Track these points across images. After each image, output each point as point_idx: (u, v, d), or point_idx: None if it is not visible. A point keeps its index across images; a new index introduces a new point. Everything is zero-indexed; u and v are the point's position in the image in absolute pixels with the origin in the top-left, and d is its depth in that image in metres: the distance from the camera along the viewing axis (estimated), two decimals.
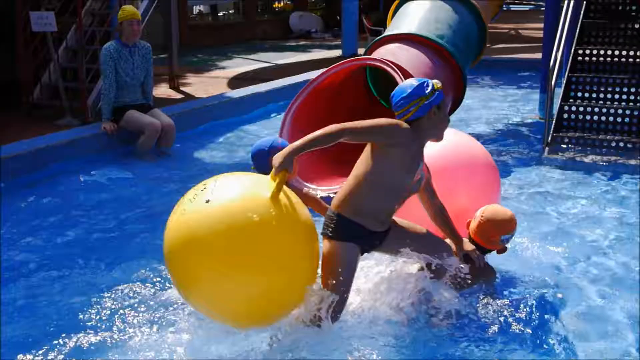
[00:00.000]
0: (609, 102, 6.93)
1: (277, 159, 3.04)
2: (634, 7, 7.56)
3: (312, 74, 8.09)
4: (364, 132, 3.29)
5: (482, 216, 3.68)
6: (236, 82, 12.07)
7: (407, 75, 5.72)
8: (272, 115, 8.75)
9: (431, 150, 3.63)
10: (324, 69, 6.17)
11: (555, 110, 6.91)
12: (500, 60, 12.73)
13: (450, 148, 3.99)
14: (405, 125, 3.32)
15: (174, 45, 11.34)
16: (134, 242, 4.77)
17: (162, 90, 10.94)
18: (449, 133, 3.58)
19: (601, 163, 6.22)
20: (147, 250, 4.46)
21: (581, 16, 7.41)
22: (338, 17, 20.32)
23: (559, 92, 7.00)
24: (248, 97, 9.13)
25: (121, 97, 6.97)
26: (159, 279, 3.99)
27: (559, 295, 3.75)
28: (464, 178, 4.02)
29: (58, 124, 7.90)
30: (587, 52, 7.24)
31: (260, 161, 3.69)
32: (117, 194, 5.86)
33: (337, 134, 3.22)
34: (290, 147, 3.11)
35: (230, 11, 23.89)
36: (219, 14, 23.28)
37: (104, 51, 6.90)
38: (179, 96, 10.61)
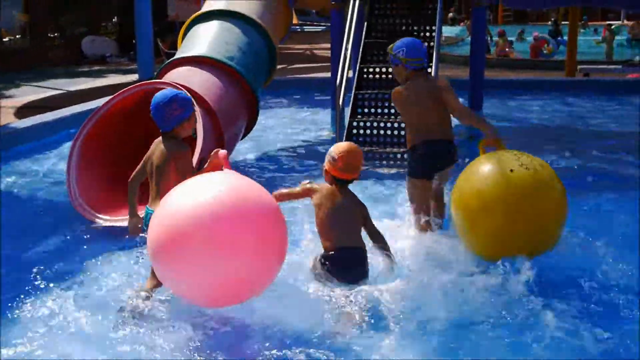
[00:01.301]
0: (392, 117, 7.33)
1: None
2: (413, 28, 8.09)
3: (104, 100, 7.81)
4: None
5: (338, 154, 4.03)
6: (25, 111, 11.37)
7: (198, 98, 5.69)
8: (63, 144, 8.31)
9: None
10: (114, 95, 6.00)
11: (345, 127, 7.20)
12: (296, 80, 13.12)
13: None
14: None
15: None
16: None
17: None
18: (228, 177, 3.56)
19: (389, 174, 6.56)
20: None
21: (363, 36, 7.82)
22: (134, 41, 19.87)
23: (349, 109, 7.31)
24: (35, 127, 8.61)
25: None
26: None
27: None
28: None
29: None
30: (371, 70, 7.64)
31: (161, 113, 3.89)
32: None
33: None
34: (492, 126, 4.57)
35: (17, 36, 22.54)
36: (5, 39, 21.88)
37: None
38: None
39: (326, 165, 4.12)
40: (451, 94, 4.56)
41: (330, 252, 3.90)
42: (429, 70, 4.53)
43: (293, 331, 3.50)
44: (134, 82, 14.34)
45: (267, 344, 3.38)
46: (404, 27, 8.06)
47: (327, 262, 3.86)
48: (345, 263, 3.90)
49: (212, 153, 3.91)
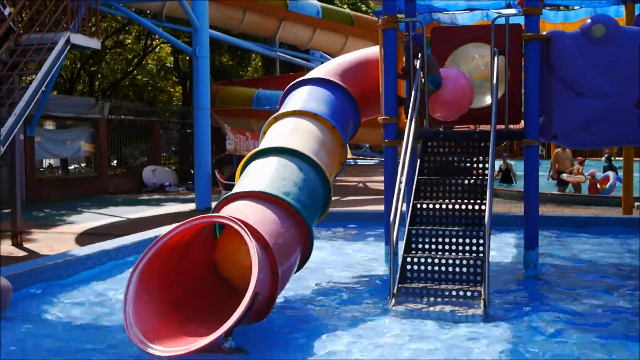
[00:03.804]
0: (447, 253, 7.32)
1: None
2: (463, 165, 8.23)
3: (163, 229, 8.04)
4: None
5: None
6: (85, 237, 11.74)
7: (253, 232, 5.82)
8: (123, 272, 8.49)
9: None
10: (173, 225, 6.17)
11: (399, 262, 7.20)
12: (350, 213, 13.28)
13: None
14: None
15: (17, 199, 10.96)
16: None
17: (4, 248, 10.42)
18: None
19: (444, 312, 6.46)
20: None
21: (416, 173, 7.97)
22: (192, 171, 20.56)
23: (403, 244, 7.33)
24: (95, 255, 8.83)
25: None
26: None
27: None
28: None
29: None
30: (424, 205, 7.71)
31: None
32: None
33: None
34: None
35: (81, 164, 23.59)
36: (70, 168, 22.91)
37: None
38: (22, 254, 10.14)
39: None
40: None
41: None
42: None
43: None
44: (192, 211, 14.82)
45: None
46: (455, 164, 8.21)
47: None
48: None
49: None
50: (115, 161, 24.08)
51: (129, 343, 5.44)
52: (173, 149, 28.78)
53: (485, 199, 7.22)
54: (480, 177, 8.04)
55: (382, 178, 8.96)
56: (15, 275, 7.31)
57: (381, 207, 9.11)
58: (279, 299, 6.50)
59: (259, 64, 37.50)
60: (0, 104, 10.65)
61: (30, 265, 8.15)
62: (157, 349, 5.32)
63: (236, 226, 5.77)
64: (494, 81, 8.09)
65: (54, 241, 11.35)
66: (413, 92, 8.07)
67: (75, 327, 6.48)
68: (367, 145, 31.69)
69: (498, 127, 7.98)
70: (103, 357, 5.58)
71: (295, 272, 6.86)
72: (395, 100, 8.57)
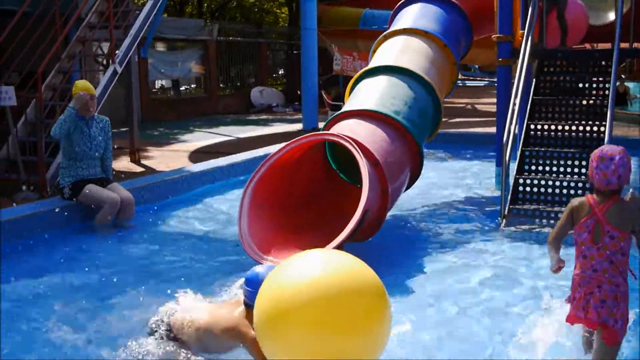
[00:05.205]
0: (561, 175, 7.12)
1: None
2: (581, 85, 7.88)
3: (273, 148, 8.20)
4: None
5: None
6: (197, 155, 12.12)
7: (364, 149, 5.84)
8: (233, 189, 8.78)
9: None
10: (284, 143, 6.28)
11: (510, 183, 7.07)
12: (458, 134, 13.06)
13: None
14: None
15: (134, 118, 11.41)
16: (92, 321, 4.63)
17: (123, 164, 10.91)
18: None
19: None
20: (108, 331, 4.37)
21: (531, 93, 7.70)
22: (298, 92, 20.69)
23: (514, 166, 7.18)
24: (209, 171, 9.15)
25: (80, 171, 6.92)
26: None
27: None
28: None
29: (15, 198, 7.81)
30: (539, 127, 7.48)
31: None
32: (75, 270, 5.74)
33: None
34: None
35: (192, 85, 24.15)
36: (181, 88, 23.51)
37: (70, 109, 6.85)
38: (140, 169, 10.60)
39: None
40: None
41: None
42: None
43: None
44: (299, 131, 15.00)
45: None
46: (573, 84, 7.86)
47: None
48: None
49: None
50: (224, 82, 24.51)
51: (243, 254, 5.65)
52: (280, 71, 28.97)
53: (604, 121, 6.92)
54: (600, 98, 7.68)
55: (491, 100, 8.76)
56: (137, 189, 7.68)
57: (490, 129, 8.92)
58: (388, 217, 6.54)
59: None
60: (117, 26, 10.96)
61: (150, 180, 8.55)
62: (269, 260, 5.51)
63: (347, 144, 5.80)
64: None
65: (169, 158, 11.80)
66: (530, 8, 7.72)
67: (192, 238, 6.79)
68: (477, 66, 30.76)
69: (621, 45, 7.54)
70: (217, 265, 5.84)
71: (404, 191, 6.86)
72: (510, 17, 8.23)
